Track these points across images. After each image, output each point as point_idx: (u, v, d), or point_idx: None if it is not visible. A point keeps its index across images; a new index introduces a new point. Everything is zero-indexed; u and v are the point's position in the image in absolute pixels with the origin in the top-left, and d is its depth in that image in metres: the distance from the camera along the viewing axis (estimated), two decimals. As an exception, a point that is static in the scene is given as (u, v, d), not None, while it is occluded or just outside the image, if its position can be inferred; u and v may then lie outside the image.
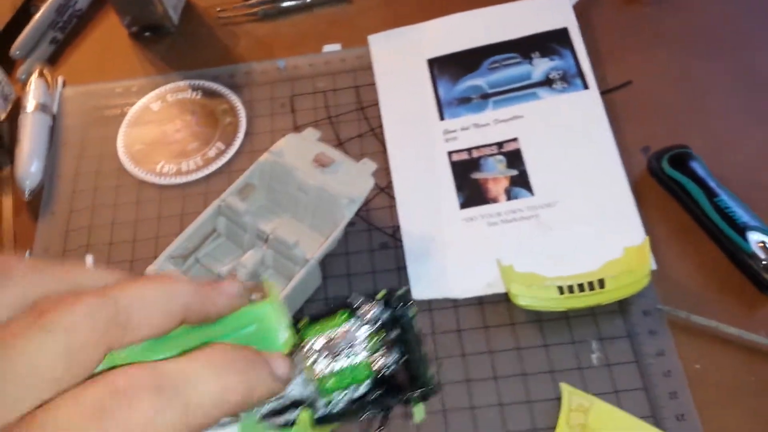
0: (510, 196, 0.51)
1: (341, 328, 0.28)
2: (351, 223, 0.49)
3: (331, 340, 0.28)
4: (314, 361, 0.28)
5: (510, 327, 0.47)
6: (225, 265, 0.50)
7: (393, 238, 0.51)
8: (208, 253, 0.51)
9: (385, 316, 0.29)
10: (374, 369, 0.28)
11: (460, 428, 0.43)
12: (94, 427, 0.18)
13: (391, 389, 0.28)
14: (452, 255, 0.50)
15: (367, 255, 0.51)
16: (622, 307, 0.46)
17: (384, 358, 0.28)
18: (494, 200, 0.51)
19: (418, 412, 0.30)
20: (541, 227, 0.50)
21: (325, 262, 0.49)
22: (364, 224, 0.53)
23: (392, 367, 0.28)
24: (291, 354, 0.28)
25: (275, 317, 0.29)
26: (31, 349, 0.18)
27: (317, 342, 0.28)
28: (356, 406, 0.29)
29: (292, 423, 0.28)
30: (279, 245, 0.48)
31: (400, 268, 0.50)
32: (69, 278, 0.21)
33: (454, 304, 0.48)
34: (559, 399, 0.43)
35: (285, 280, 0.48)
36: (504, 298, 0.48)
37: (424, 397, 0.29)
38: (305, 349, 0.28)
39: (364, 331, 0.28)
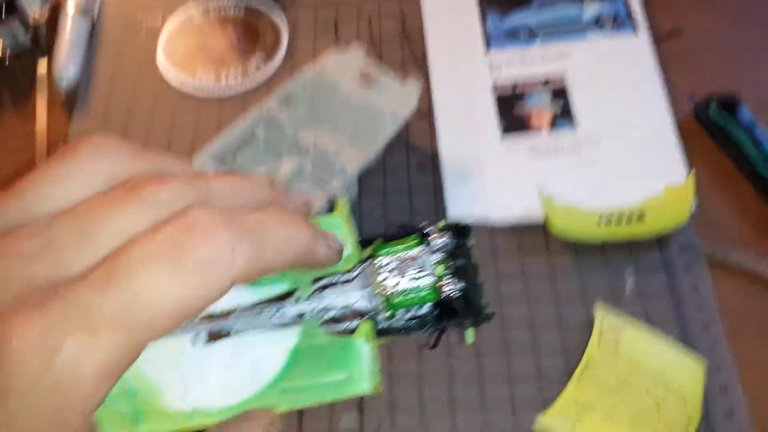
0: (553, 129, 0.51)
1: (412, 251, 0.31)
2: (390, 143, 0.49)
3: (402, 261, 0.30)
4: (384, 278, 0.30)
5: (545, 254, 0.46)
6: (262, 171, 0.49)
7: (431, 161, 0.51)
8: (245, 160, 0.50)
9: (451, 245, 0.31)
10: (440, 294, 0.30)
11: (493, 346, 0.43)
12: (172, 258, 0.19)
13: (448, 313, 0.31)
14: (491, 181, 0.49)
15: (404, 175, 0.51)
16: (659, 241, 0.46)
17: (449, 284, 0.30)
18: (536, 132, 0.51)
19: (469, 335, 0.32)
20: (583, 162, 0.49)
21: (362, 179, 0.49)
22: (402, 145, 0.52)
23: (455, 294, 0.30)
24: (360, 267, 0.31)
25: (341, 233, 0.31)
26: (120, 217, 0.20)
27: (389, 261, 0.30)
28: (415, 324, 0.31)
29: (352, 331, 0.30)
30: (319, 155, 0.48)
31: (437, 190, 0.50)
32: (160, 162, 0.22)
33: (490, 228, 0.48)
34: (590, 321, 0.43)
35: (321, 190, 0.48)
36: (541, 226, 0.47)
37: (476, 323, 0.31)
38: (376, 265, 0.30)
39: (433, 257, 0.31)
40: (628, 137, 0.50)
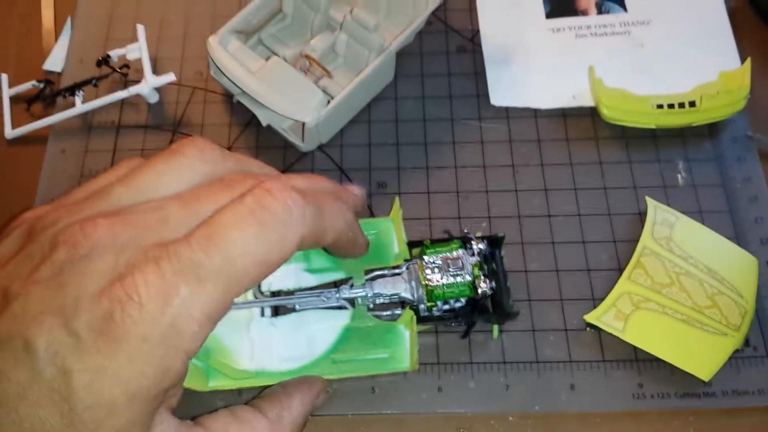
0: (601, 10, 0.48)
1: (455, 253, 0.36)
2: (428, 23, 0.46)
3: (446, 260, 0.36)
4: (430, 273, 0.35)
5: (593, 141, 0.44)
6: (290, 49, 0.46)
7: (471, 43, 0.48)
8: (273, 35, 0.46)
9: (486, 251, 0.37)
10: (475, 291, 0.35)
11: (539, 232, 0.41)
12: (256, 218, 0.24)
13: (479, 309, 0.36)
14: (535, 64, 0.47)
15: (443, 57, 0.47)
16: (711, 131, 0.44)
17: (484, 284, 0.35)
18: (584, 12, 0.48)
19: (495, 331, 0.38)
20: (633, 44, 0.47)
21: (398, 61, 0.45)
22: (441, 25, 0.49)
23: (489, 292, 0.35)
24: (408, 263, 0.37)
25: (394, 232, 0.37)
26: (220, 201, 0.25)
27: (435, 259, 0.36)
28: (450, 315, 0.36)
29: (395, 318, 0.36)
30: (355, 29, 0.44)
31: (477, 74, 0.47)
32: (248, 164, 0.28)
33: (535, 114, 0.45)
34: (641, 214, 0.42)
35: (354, 72, 0.44)
36: (588, 112, 0.45)
37: (501, 321, 0.38)
38: (424, 263, 0.36)
39: (472, 260, 0.36)
40: (680, 20, 0.47)
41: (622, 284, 0.39)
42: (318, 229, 0.26)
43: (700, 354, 0.37)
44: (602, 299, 0.38)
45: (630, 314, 0.38)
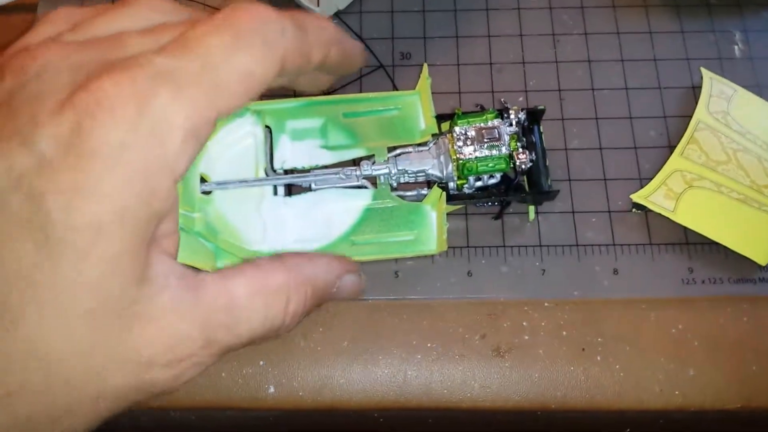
0: None
1: (491, 122, 0.32)
2: None
3: (481, 129, 0.32)
4: (462, 145, 0.32)
5: (642, 9, 0.40)
6: None
7: None
8: None
9: (525, 123, 0.33)
10: (512, 165, 0.32)
11: (581, 107, 0.37)
12: (232, 29, 0.21)
13: (514, 188, 0.33)
14: None
15: None
16: (773, -1, 0.40)
17: (523, 155, 0.32)
18: None
19: (531, 212, 0.34)
20: None
21: None
22: None
23: (527, 165, 0.32)
24: (437, 138, 0.33)
25: (420, 106, 0.34)
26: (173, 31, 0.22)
27: (468, 129, 0.32)
28: (483, 194, 0.33)
29: (422, 198, 0.33)
30: None
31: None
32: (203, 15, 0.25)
33: (577, -22, 0.40)
34: (694, 88, 0.37)
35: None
36: (638, -25, 0.40)
37: (539, 201, 0.34)
38: (455, 134, 0.32)
39: (509, 130, 0.32)
40: None
41: (674, 161, 0.35)
42: (303, 46, 0.23)
43: (758, 236, 0.33)
44: (650, 179, 0.35)
45: (682, 193, 0.34)
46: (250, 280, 0.24)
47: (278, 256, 0.26)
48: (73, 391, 0.20)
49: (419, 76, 0.35)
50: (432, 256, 0.34)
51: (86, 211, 0.19)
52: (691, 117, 0.36)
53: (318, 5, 0.38)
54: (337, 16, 0.39)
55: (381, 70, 0.38)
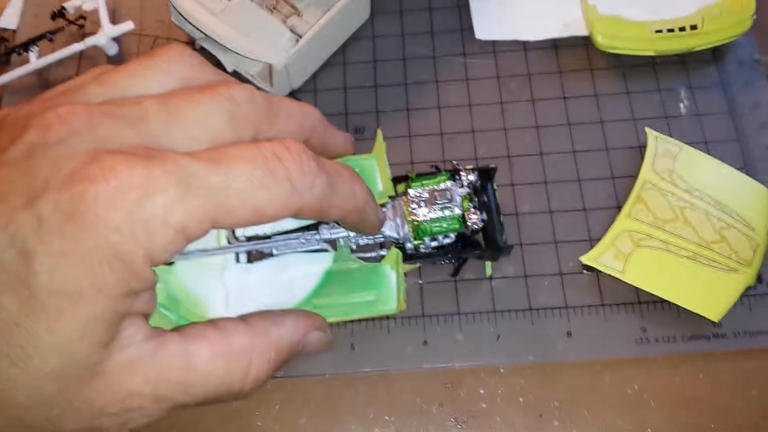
0: (592, -70, 0.44)
1: (443, 185, 0.33)
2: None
3: (434, 191, 0.33)
4: (416, 207, 0.33)
5: (588, 72, 0.41)
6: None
7: (452, -27, 0.44)
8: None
9: (477, 183, 0.34)
10: (465, 224, 0.32)
11: (531, 172, 0.38)
12: (269, 166, 0.22)
13: (470, 245, 0.34)
14: (522, -7, 0.43)
15: (422, -10, 0.44)
16: (715, 55, 0.41)
17: (474, 215, 0.32)
18: (573, -65, 0.44)
19: (488, 268, 0.36)
20: (628, -35, 0.43)
21: (374, -2, 0.42)
22: (419, -44, 0.45)
23: (479, 225, 0.32)
24: (393, 199, 0.34)
25: (377, 169, 0.34)
26: (201, 104, 0.23)
27: (421, 192, 0.33)
28: (439, 253, 0.34)
29: (380, 259, 0.33)
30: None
31: (461, 6, 0.43)
32: (229, 79, 0.26)
33: (524, 46, 0.42)
34: (641, 147, 0.38)
35: (325, 9, 0.41)
36: (582, 42, 0.42)
37: (494, 258, 0.35)
38: (409, 196, 0.33)
39: (461, 191, 0.33)
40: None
41: (622, 221, 0.35)
42: (323, 204, 0.24)
43: (709, 293, 0.34)
44: (600, 239, 0.35)
45: (630, 253, 0.34)
46: (212, 344, 0.24)
47: (244, 318, 0.26)
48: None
49: (371, 149, 0.36)
50: (389, 320, 0.34)
51: (70, 278, 0.20)
52: (637, 177, 0.37)
53: (272, 86, 0.40)
54: (292, 95, 0.41)
55: (335, 146, 0.39)
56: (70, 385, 0.21)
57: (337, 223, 0.32)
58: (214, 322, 0.25)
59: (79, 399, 0.22)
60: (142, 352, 0.22)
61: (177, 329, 0.25)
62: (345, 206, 0.25)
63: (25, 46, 0.42)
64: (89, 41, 0.41)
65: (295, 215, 0.24)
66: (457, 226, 0.33)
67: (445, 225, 0.33)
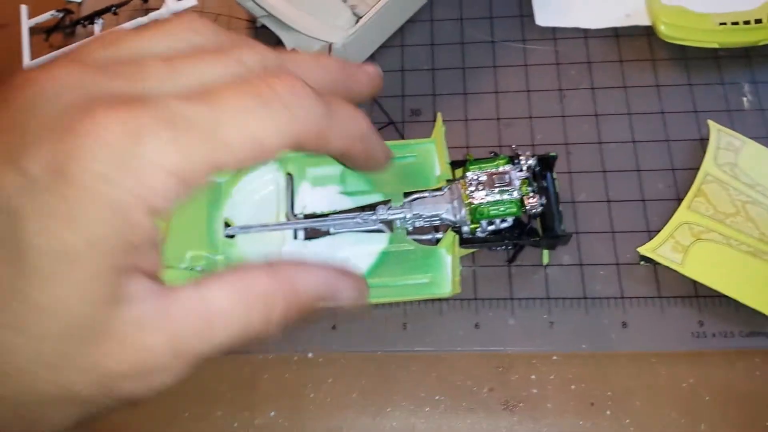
0: None
1: (501, 168, 0.33)
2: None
3: (492, 175, 0.33)
4: (474, 190, 0.32)
5: (650, 63, 0.40)
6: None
7: (514, -41, 0.44)
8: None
9: (536, 169, 0.33)
10: (523, 208, 0.32)
11: (588, 161, 0.38)
12: (262, 97, 0.21)
13: (527, 233, 0.34)
14: (585, -19, 0.42)
15: (483, -24, 0.44)
16: (781, 50, 0.40)
17: (533, 199, 0.32)
18: (639, -77, 0.43)
19: (545, 256, 0.35)
20: (694, -44, 0.42)
21: (433, -18, 0.42)
22: (481, -59, 0.45)
23: (538, 209, 0.32)
24: (451, 184, 0.33)
25: (436, 153, 0.35)
26: (207, 64, 0.22)
27: (480, 175, 0.33)
28: (496, 238, 0.33)
29: (436, 242, 0.33)
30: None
31: (522, -7, 0.43)
32: (243, 41, 0.24)
33: (584, 34, 0.41)
34: (702, 140, 0.38)
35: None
36: (644, 32, 0.41)
37: (552, 246, 0.35)
38: (467, 179, 0.33)
39: (519, 176, 0.33)
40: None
41: (682, 213, 0.35)
42: (322, 131, 0.23)
43: (769, 289, 0.33)
44: (658, 231, 0.35)
45: (690, 246, 0.34)
46: (230, 286, 0.23)
47: (270, 263, 0.24)
48: (44, 401, 0.21)
49: (429, 132, 0.36)
50: (442, 302, 0.34)
51: (60, 237, 0.19)
52: (698, 169, 0.36)
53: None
54: (350, 75, 0.41)
55: (391, 127, 0.39)
56: (75, 347, 0.20)
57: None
58: (233, 266, 0.24)
59: (89, 362, 0.20)
60: (151, 307, 0.21)
61: (193, 279, 0.23)
62: (347, 133, 0.24)
63: (90, 18, 0.42)
64: (152, 15, 0.41)
65: (297, 148, 0.22)
66: (514, 209, 0.32)
67: (502, 208, 0.32)
